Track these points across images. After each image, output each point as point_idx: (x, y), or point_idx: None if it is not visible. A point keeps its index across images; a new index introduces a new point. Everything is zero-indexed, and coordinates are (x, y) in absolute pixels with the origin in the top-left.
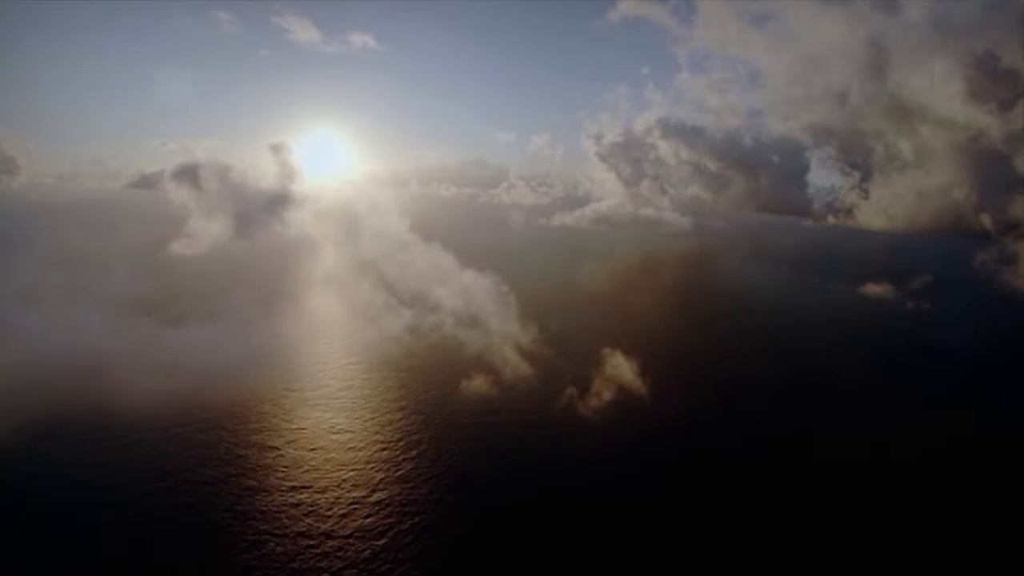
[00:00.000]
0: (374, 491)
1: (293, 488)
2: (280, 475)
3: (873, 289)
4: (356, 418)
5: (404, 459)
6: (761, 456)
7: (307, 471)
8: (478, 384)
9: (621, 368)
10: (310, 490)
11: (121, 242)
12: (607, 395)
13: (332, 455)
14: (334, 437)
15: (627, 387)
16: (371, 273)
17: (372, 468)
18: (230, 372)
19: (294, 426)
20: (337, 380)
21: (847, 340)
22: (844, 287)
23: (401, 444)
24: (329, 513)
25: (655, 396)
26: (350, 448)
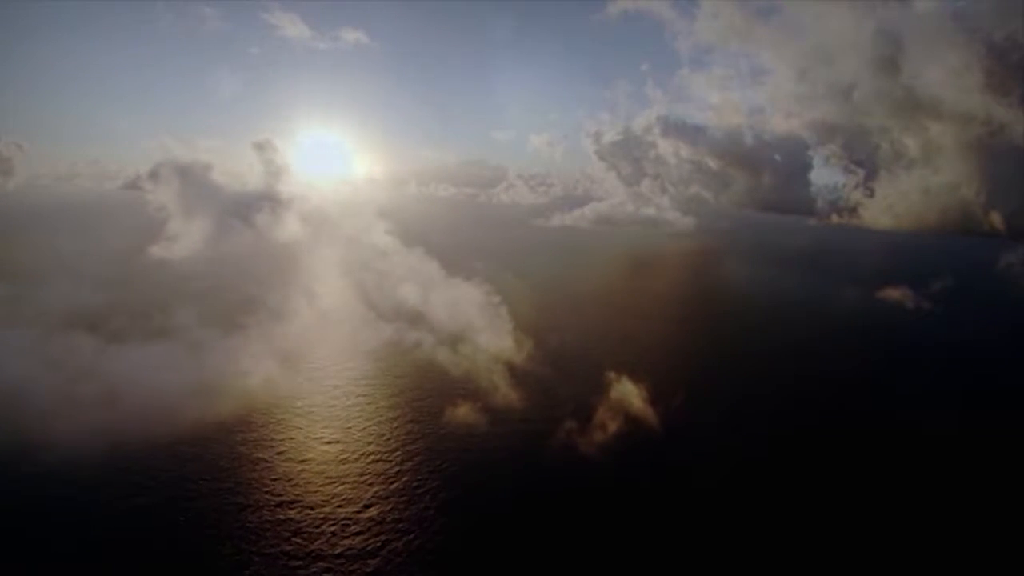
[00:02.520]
0: (366, 507)
1: (281, 504)
2: (267, 490)
3: (892, 293)
4: (348, 427)
5: (399, 471)
6: (789, 487)
7: (296, 485)
8: (463, 412)
9: (627, 393)
10: (299, 505)
11: (99, 246)
12: (612, 427)
13: (322, 468)
14: (325, 448)
15: (634, 416)
16: (356, 281)
17: (365, 481)
18: (200, 387)
19: (283, 436)
20: (329, 388)
21: (869, 348)
22: (861, 290)
23: (396, 455)
24: (318, 531)
25: (665, 426)
26: (342, 460)
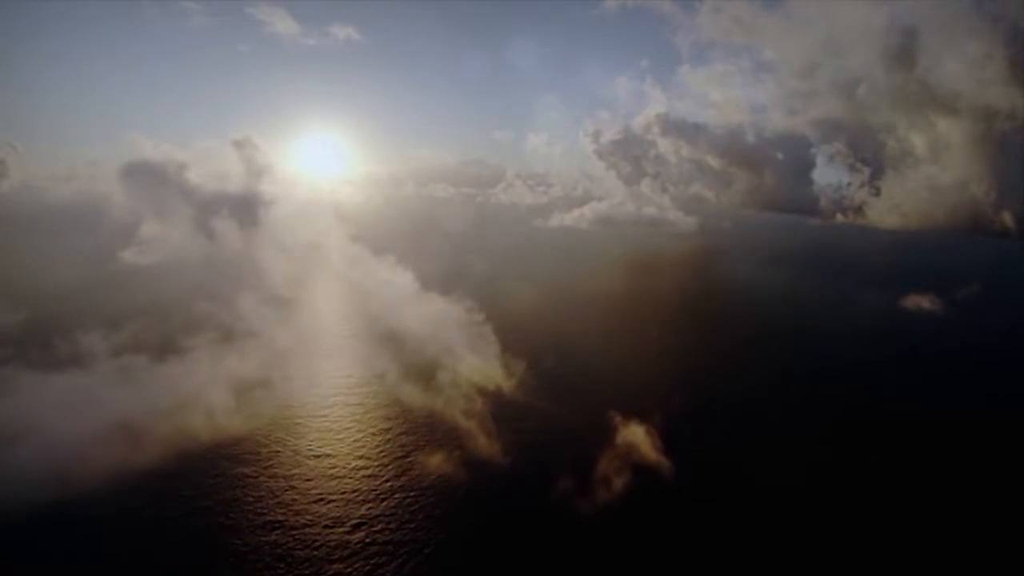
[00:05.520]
0: (356, 528)
1: (265, 525)
2: (250, 509)
3: (909, 296)
4: (338, 438)
5: (391, 487)
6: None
7: (281, 504)
8: (437, 462)
9: (637, 440)
10: (284, 528)
11: (71, 251)
12: (618, 482)
13: (310, 484)
14: (313, 463)
15: (645, 467)
16: (341, 289)
17: (355, 499)
18: (120, 426)
19: (269, 450)
20: (320, 396)
21: (884, 350)
22: (874, 292)
23: (389, 468)
24: (303, 555)
25: (682, 475)
26: (332, 476)
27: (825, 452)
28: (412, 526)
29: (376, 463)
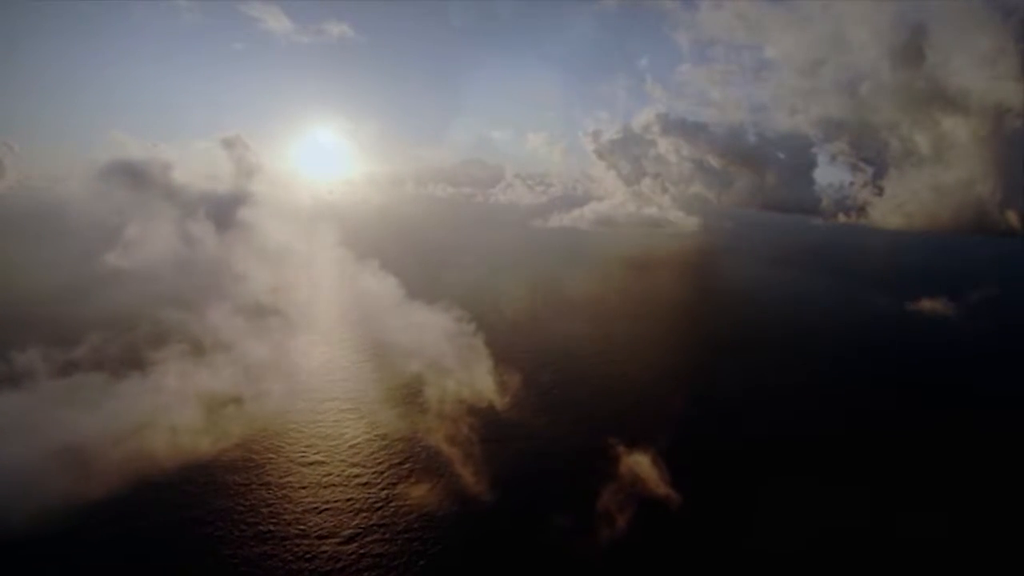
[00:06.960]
0: (350, 540)
1: (256, 536)
2: (241, 520)
3: (920, 300)
4: (333, 443)
5: (387, 495)
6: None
7: (273, 514)
8: (420, 494)
9: (642, 470)
10: (275, 539)
11: (54, 253)
12: (622, 520)
13: (302, 493)
14: (305, 471)
15: (651, 499)
16: (324, 298)
17: (350, 509)
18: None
19: (261, 457)
20: (316, 401)
21: (893, 351)
22: (885, 296)
23: (385, 476)
24: (296, 568)
25: (693, 507)
26: (325, 484)
27: (833, 463)
28: (407, 536)
29: (371, 470)
